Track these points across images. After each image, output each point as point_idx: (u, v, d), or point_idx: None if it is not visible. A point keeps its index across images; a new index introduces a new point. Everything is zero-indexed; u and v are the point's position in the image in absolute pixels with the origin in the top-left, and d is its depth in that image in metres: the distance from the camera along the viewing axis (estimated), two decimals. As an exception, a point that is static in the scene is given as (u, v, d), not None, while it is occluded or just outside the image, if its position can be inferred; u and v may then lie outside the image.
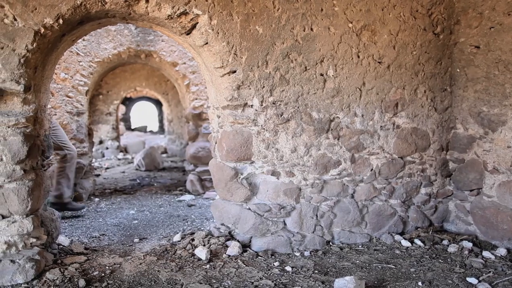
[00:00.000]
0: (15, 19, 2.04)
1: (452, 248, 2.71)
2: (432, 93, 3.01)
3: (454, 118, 3.08)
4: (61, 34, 2.30)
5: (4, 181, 2.14)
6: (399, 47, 2.86)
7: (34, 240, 2.27)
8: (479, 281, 2.23)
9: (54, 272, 2.25)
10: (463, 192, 3.04)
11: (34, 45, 2.09)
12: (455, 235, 3.01)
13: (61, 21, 2.13)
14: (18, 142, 2.14)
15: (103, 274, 2.32)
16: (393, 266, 2.47)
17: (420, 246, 2.80)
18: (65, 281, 2.19)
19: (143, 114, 20.58)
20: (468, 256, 2.60)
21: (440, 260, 2.56)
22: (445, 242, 2.86)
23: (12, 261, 2.17)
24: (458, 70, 3.01)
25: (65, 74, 4.70)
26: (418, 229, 3.06)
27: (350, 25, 2.71)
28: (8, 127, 2.12)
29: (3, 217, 2.18)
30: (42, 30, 2.09)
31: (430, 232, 3.03)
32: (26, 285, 2.15)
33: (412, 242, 2.86)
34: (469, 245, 2.75)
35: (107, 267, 2.42)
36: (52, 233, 2.57)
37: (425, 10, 2.90)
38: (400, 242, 2.86)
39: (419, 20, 2.89)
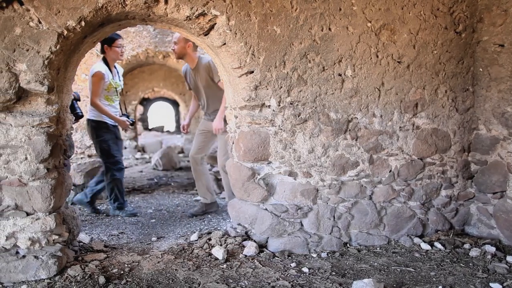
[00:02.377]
0: (40, 22, 2.10)
1: (474, 252, 2.64)
2: (454, 93, 2.94)
3: (476, 119, 3.00)
4: (83, 36, 2.36)
5: (29, 179, 2.21)
6: (419, 46, 2.80)
7: (57, 237, 2.33)
8: (503, 287, 2.17)
9: (75, 268, 2.31)
10: (486, 195, 2.96)
11: (58, 47, 2.14)
12: (477, 238, 2.93)
13: (83, 23, 2.18)
14: (41, 141, 2.20)
15: (122, 272, 2.36)
16: (413, 270, 2.43)
17: (440, 250, 2.74)
18: (86, 277, 2.24)
19: (160, 114, 20.84)
20: (491, 261, 2.53)
21: (461, 264, 2.50)
22: (466, 245, 2.79)
23: (36, 257, 2.24)
24: (481, 70, 2.93)
25: (86, 75, 4.81)
26: (438, 232, 2.99)
27: (369, 24, 2.68)
28: (33, 126, 2.19)
29: (27, 214, 2.25)
30: (65, 32, 2.15)
31: (451, 235, 2.96)
32: (48, 280, 2.21)
33: (432, 245, 2.80)
34: (492, 249, 2.67)
35: (126, 265, 2.46)
36: (73, 230, 2.63)
37: (447, 9, 2.84)
38: (419, 245, 2.81)
39: (440, 19, 2.83)
